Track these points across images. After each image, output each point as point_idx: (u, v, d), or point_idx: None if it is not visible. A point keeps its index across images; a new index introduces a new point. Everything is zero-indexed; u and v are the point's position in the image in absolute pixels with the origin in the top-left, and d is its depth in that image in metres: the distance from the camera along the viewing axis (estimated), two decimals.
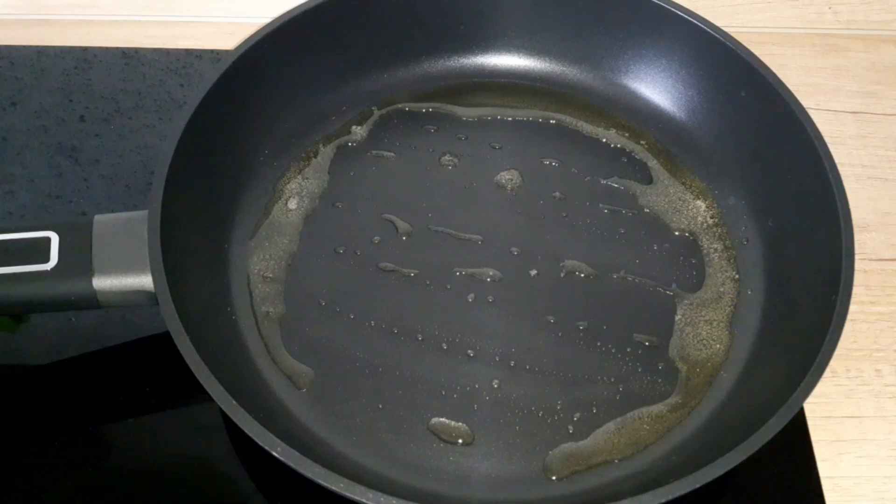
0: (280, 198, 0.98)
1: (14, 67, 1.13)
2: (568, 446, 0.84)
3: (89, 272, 0.81)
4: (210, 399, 0.73)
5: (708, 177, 1.00)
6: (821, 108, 1.11)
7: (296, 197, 0.98)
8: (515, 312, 0.91)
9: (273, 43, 0.95)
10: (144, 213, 0.82)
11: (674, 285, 0.93)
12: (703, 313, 0.92)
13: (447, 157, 1.01)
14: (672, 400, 0.87)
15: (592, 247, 0.95)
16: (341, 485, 0.70)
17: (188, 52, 1.14)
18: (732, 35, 0.97)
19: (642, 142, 1.03)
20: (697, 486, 0.71)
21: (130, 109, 1.09)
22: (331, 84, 1.02)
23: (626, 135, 1.03)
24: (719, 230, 0.97)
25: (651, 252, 0.96)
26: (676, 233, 0.97)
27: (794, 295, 0.89)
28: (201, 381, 0.74)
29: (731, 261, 0.95)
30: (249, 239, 0.94)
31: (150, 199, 0.82)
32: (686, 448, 0.83)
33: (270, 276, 0.93)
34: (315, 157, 1.01)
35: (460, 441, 0.84)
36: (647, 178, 1.00)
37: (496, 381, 0.87)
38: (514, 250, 0.95)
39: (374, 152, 1.01)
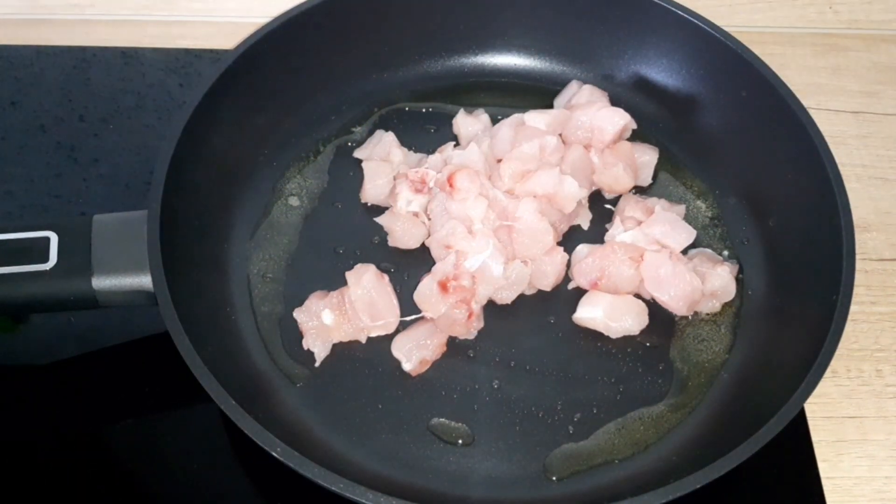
0: (280, 197, 0.97)
1: (13, 67, 1.13)
2: (568, 447, 0.84)
3: (88, 272, 0.81)
4: (210, 399, 0.73)
5: (708, 177, 1.00)
6: (821, 108, 1.11)
7: (296, 197, 0.98)
8: (515, 313, 0.91)
9: (273, 43, 0.95)
10: (144, 212, 0.82)
11: None
12: (703, 314, 0.92)
13: None
14: (672, 400, 0.87)
15: None
16: (341, 485, 0.70)
17: (188, 51, 1.14)
18: (733, 34, 0.97)
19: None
20: (698, 486, 0.71)
21: (130, 109, 1.09)
22: (331, 84, 1.02)
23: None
24: (719, 230, 0.97)
25: None
26: None
27: (795, 295, 0.89)
28: (201, 382, 0.74)
29: (732, 261, 0.95)
30: (249, 239, 0.94)
31: (149, 198, 0.82)
32: (687, 448, 0.83)
33: (270, 275, 0.93)
34: (315, 157, 1.01)
35: (460, 441, 0.84)
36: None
37: (496, 381, 0.87)
38: None
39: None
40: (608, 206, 0.98)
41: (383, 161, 0.97)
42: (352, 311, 0.87)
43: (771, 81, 0.93)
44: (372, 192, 0.96)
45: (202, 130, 0.89)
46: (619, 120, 0.96)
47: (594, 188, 0.98)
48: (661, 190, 0.99)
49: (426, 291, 0.88)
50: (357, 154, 0.99)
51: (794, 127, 0.91)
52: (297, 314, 0.88)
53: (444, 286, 0.87)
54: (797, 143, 0.91)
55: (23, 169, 1.04)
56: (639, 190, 0.99)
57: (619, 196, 0.98)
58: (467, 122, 1.00)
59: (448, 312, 0.87)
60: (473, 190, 0.89)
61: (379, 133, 1.00)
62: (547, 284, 0.91)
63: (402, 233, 0.93)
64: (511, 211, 0.90)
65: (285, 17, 0.96)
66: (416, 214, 0.93)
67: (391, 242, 0.94)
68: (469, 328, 0.88)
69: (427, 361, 0.87)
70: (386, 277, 0.89)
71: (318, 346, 0.87)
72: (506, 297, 0.90)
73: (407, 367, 0.87)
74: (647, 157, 0.99)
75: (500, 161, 0.94)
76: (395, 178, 0.95)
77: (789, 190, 0.93)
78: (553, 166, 0.92)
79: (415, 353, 0.87)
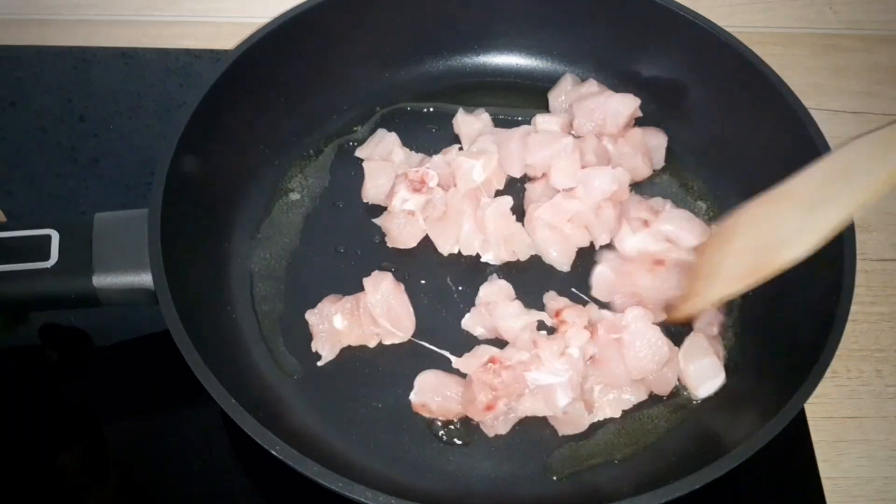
0: (281, 196, 0.97)
1: (14, 67, 1.13)
2: (568, 447, 0.84)
3: (89, 270, 0.81)
4: (210, 397, 0.73)
5: (708, 177, 1.00)
6: (821, 108, 1.11)
7: (297, 196, 0.98)
8: None
9: (273, 43, 0.95)
10: (145, 211, 0.82)
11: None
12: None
13: None
14: (672, 400, 0.87)
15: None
16: (340, 484, 0.70)
17: (188, 52, 1.14)
18: (734, 35, 0.97)
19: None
20: (697, 486, 0.71)
21: (130, 109, 1.09)
22: (332, 83, 1.02)
23: None
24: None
25: None
26: None
27: (796, 295, 0.88)
28: (201, 380, 0.74)
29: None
30: (250, 237, 0.94)
31: (150, 197, 0.82)
32: (686, 448, 0.83)
33: (271, 274, 0.92)
34: (316, 156, 1.01)
35: (460, 441, 0.84)
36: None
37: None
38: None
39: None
40: None
41: (384, 161, 0.97)
42: (365, 316, 0.87)
43: (772, 81, 0.93)
44: (373, 191, 0.96)
45: (203, 130, 0.88)
46: (632, 103, 0.97)
47: None
48: (661, 190, 0.99)
49: (474, 354, 0.86)
50: (358, 153, 0.99)
51: (794, 127, 0.91)
52: (309, 316, 0.88)
53: (494, 360, 0.83)
54: (798, 143, 0.91)
55: (23, 169, 1.04)
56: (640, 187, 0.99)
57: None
58: (467, 121, 1.00)
59: (475, 384, 0.82)
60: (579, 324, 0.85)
61: (381, 132, 1.00)
62: (666, 391, 0.87)
63: (398, 232, 0.93)
64: (617, 323, 0.86)
65: (285, 17, 0.96)
66: (411, 213, 0.93)
67: (389, 243, 0.94)
68: (483, 417, 0.83)
69: (428, 409, 0.85)
70: (402, 286, 0.89)
71: (326, 349, 0.87)
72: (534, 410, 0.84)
73: (413, 398, 0.85)
74: (657, 140, 1.00)
75: (509, 175, 0.96)
76: (395, 178, 0.95)
77: None
78: (600, 167, 0.93)
79: (430, 394, 0.84)
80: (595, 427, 0.85)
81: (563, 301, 0.89)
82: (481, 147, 0.97)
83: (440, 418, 0.84)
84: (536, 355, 0.83)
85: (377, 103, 1.03)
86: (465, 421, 0.85)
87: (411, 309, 0.89)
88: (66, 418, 0.88)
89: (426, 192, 0.93)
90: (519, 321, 0.86)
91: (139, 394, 0.89)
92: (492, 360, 0.83)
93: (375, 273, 0.89)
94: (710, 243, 0.88)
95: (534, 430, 0.84)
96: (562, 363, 0.83)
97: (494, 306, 0.88)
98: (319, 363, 0.87)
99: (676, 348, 0.86)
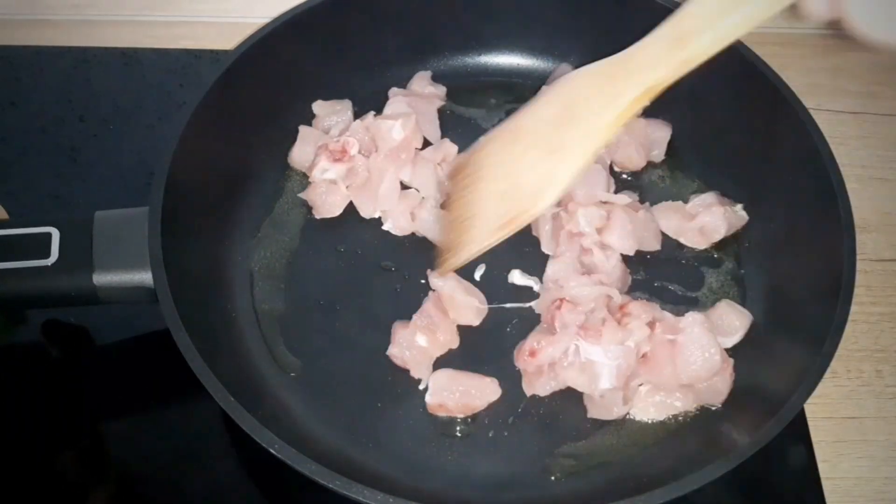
0: (282, 196, 0.98)
1: (14, 67, 1.13)
2: (568, 447, 0.84)
3: (90, 268, 0.81)
4: (209, 396, 0.73)
5: (708, 177, 1.00)
6: (821, 109, 1.11)
7: (298, 195, 0.98)
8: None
9: (273, 43, 0.95)
10: (145, 209, 0.82)
11: (675, 287, 0.93)
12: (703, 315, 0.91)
13: None
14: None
15: None
16: (338, 482, 0.70)
17: (188, 52, 1.14)
18: None
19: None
20: (696, 486, 0.71)
21: (130, 109, 1.09)
22: (331, 83, 1.02)
23: None
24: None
25: (651, 253, 0.95)
26: None
27: (796, 296, 0.88)
28: (200, 379, 0.74)
29: (732, 262, 0.95)
30: (250, 237, 0.94)
31: (150, 195, 0.82)
32: (686, 448, 0.83)
33: (271, 273, 0.93)
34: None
35: (460, 441, 0.84)
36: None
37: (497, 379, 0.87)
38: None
39: None
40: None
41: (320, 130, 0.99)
42: (451, 306, 0.88)
43: (772, 82, 0.93)
44: (299, 157, 0.98)
45: (203, 129, 0.88)
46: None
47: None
48: (661, 191, 0.99)
49: (523, 349, 0.86)
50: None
51: (795, 127, 0.91)
52: (392, 351, 0.87)
53: (532, 353, 0.84)
54: (798, 143, 0.91)
55: (23, 169, 1.04)
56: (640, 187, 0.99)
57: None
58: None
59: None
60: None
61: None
62: (718, 401, 0.86)
63: (321, 202, 0.95)
64: (674, 324, 0.86)
65: (285, 17, 0.96)
66: (333, 182, 0.95)
67: (316, 215, 0.96)
68: (526, 365, 0.85)
69: (445, 408, 0.84)
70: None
71: (423, 371, 0.86)
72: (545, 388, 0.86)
73: (429, 400, 0.85)
74: (661, 133, 1.00)
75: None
76: (317, 148, 0.96)
77: (790, 190, 0.93)
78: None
79: (445, 393, 0.84)
80: (595, 427, 0.85)
81: (625, 297, 0.89)
82: (397, 109, 0.98)
83: (458, 415, 0.84)
84: (599, 328, 0.83)
85: (377, 103, 1.03)
86: (466, 420, 0.85)
87: (471, 285, 0.91)
88: (65, 416, 0.88)
89: (347, 160, 0.94)
90: (593, 290, 0.87)
91: (139, 392, 0.89)
92: (532, 352, 0.84)
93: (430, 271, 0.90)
94: (454, 187, 0.86)
95: (534, 429, 0.85)
96: (617, 349, 0.83)
97: (566, 280, 0.88)
98: (420, 387, 0.86)
99: (731, 359, 0.85)
